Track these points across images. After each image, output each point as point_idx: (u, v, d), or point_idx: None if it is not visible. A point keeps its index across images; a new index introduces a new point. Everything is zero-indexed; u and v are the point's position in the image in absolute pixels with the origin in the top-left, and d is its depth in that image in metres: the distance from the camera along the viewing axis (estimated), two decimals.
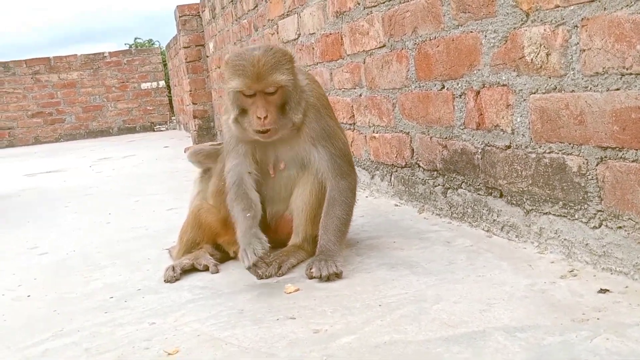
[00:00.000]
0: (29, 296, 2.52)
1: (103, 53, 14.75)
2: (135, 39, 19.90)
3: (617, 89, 1.85)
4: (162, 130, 14.54)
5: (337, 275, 2.26)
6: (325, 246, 2.38)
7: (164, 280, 2.47)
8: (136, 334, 1.97)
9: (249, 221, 2.38)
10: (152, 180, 5.85)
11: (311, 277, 2.28)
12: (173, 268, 2.52)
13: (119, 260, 2.92)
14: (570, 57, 2.01)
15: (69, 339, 2.00)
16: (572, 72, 2.01)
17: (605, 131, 1.91)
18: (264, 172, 2.58)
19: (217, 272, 2.51)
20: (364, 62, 3.56)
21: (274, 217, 2.66)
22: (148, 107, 14.89)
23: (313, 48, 4.33)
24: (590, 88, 1.94)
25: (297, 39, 4.63)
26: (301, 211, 2.54)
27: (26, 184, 6.65)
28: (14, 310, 2.36)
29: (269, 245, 2.29)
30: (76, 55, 14.59)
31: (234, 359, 1.70)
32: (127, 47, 19.10)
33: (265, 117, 2.29)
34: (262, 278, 2.32)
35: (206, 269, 2.54)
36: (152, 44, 19.96)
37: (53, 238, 3.63)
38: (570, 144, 2.07)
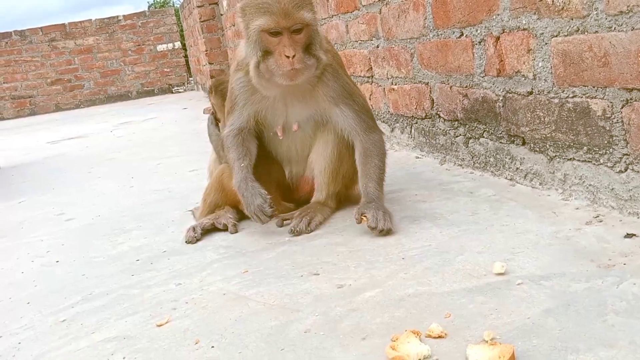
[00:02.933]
0: (57, 261, 2.57)
1: (117, 16, 14.67)
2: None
3: None
4: (180, 92, 14.53)
5: (389, 232, 2.20)
6: (374, 194, 2.36)
7: (185, 242, 2.50)
8: (164, 295, 2.00)
9: (243, 171, 2.42)
10: (173, 142, 5.87)
11: (363, 224, 2.23)
12: (194, 229, 2.54)
13: (144, 223, 2.95)
14: None
15: (98, 301, 2.04)
16: (595, 12, 1.94)
17: (631, 72, 1.85)
18: (272, 132, 2.55)
19: (235, 232, 2.52)
20: (380, 12, 3.48)
21: (293, 177, 2.67)
22: (165, 69, 14.86)
23: (327, 0, 4.24)
24: (615, 28, 1.87)
25: None
26: (323, 169, 2.53)
27: (49, 151, 6.73)
28: (44, 275, 2.41)
29: (268, 197, 2.36)
30: (91, 20, 14.55)
31: (260, 315, 1.72)
32: (147, 7, 18.96)
33: (293, 56, 2.21)
34: (293, 234, 2.35)
35: (225, 228, 2.55)
36: (168, 3, 19.77)
37: (78, 203, 3.68)
38: (594, 87, 2.01)
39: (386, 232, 2.18)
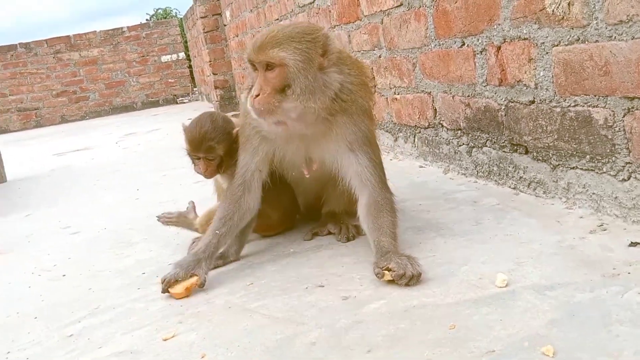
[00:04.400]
0: (64, 275, 2.58)
1: (122, 28, 14.76)
2: (156, 9, 19.81)
3: None
4: (184, 102, 14.58)
5: (419, 278, 1.87)
6: (390, 247, 2.03)
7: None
8: (169, 309, 2.01)
9: (212, 239, 2.25)
10: (178, 154, 5.83)
11: (388, 276, 1.88)
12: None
13: (149, 236, 2.97)
14: (592, 6, 1.94)
15: (105, 315, 2.05)
16: (595, 22, 1.95)
17: (632, 81, 1.86)
18: (295, 171, 2.41)
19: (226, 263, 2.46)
20: (382, 23, 3.50)
21: (305, 208, 2.71)
22: (170, 80, 14.93)
23: (330, 11, 4.27)
24: (615, 37, 1.88)
25: (314, 2, 4.56)
26: (339, 192, 2.43)
27: (56, 163, 6.76)
28: (51, 289, 2.42)
29: (204, 278, 2.13)
30: (95, 31, 14.64)
31: (266, 328, 1.73)
32: (147, 19, 19.06)
33: (257, 95, 2.06)
34: (347, 240, 2.35)
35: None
36: (170, 14, 19.86)
37: (84, 216, 3.70)
38: (595, 96, 2.02)
39: (417, 279, 1.85)
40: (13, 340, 1.97)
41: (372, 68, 3.80)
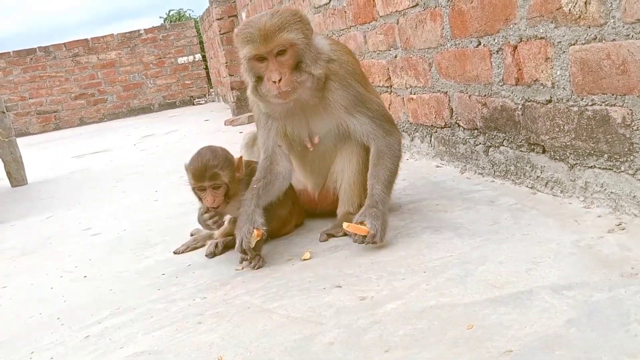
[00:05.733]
0: (85, 277, 2.62)
1: (139, 30, 14.89)
2: (169, 11, 19.92)
3: None
4: (201, 104, 14.68)
5: (374, 244, 2.24)
6: (379, 196, 2.35)
7: (205, 255, 2.54)
8: (189, 309, 2.03)
9: (252, 192, 2.42)
10: None
11: (359, 232, 2.23)
12: (216, 244, 2.57)
13: (169, 237, 3.00)
14: (609, 4, 1.93)
15: (126, 316, 2.08)
16: (612, 21, 1.94)
17: None
18: (300, 146, 2.58)
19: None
20: (398, 23, 3.50)
21: (315, 189, 2.69)
22: (186, 82, 15.04)
23: (345, 12, 4.28)
24: (632, 36, 1.87)
25: (329, 3, 4.58)
26: (352, 182, 2.54)
27: (75, 166, 6.85)
28: (72, 290, 2.47)
29: (264, 228, 2.34)
30: (113, 34, 14.79)
31: (284, 329, 1.75)
32: (161, 21, 19.19)
33: (279, 80, 2.27)
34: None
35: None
36: (184, 15, 19.96)
37: (104, 218, 3.75)
38: (613, 94, 2.01)
39: (376, 246, 2.22)
40: (36, 340, 2.01)
41: (387, 68, 3.80)
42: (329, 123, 2.51)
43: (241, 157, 2.49)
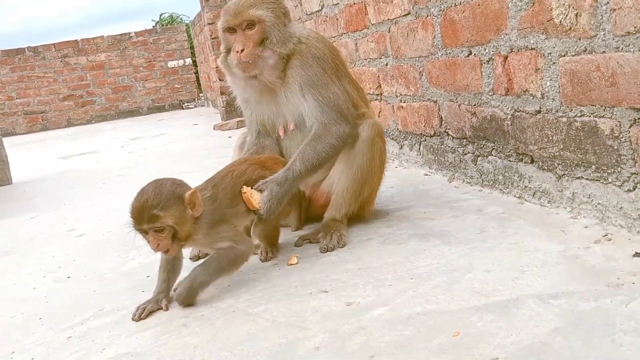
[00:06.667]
0: (69, 277, 2.59)
1: (129, 33, 14.82)
2: (161, 15, 19.82)
3: None
4: (190, 108, 14.62)
5: (266, 214, 2.30)
6: (292, 173, 2.38)
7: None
8: (174, 311, 2.01)
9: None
10: (183, 159, 5.91)
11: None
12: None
13: None
14: (600, 17, 1.95)
15: (109, 317, 2.06)
16: (602, 33, 1.96)
17: (639, 92, 1.86)
18: (275, 135, 2.65)
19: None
20: (389, 31, 3.51)
21: (305, 188, 2.66)
22: (176, 85, 14.97)
23: (337, 19, 4.29)
24: (622, 48, 1.89)
25: (321, 10, 4.59)
26: (345, 189, 2.51)
27: (61, 167, 6.79)
28: (55, 291, 2.43)
29: None
30: (103, 36, 14.70)
31: (269, 333, 1.73)
32: (153, 24, 19.12)
33: (242, 50, 2.42)
34: (327, 251, 2.34)
35: None
36: (175, 20, 19.91)
37: (89, 219, 3.71)
38: (602, 106, 2.03)
39: (264, 214, 2.28)
40: (17, 340, 1.98)
41: (378, 76, 3.81)
42: (292, 105, 2.54)
43: (195, 191, 2.09)
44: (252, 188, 2.28)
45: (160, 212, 1.98)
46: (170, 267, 2.17)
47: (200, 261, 2.22)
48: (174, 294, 2.10)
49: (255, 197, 2.26)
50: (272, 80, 2.50)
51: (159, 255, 2.64)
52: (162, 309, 2.05)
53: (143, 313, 2.01)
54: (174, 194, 2.04)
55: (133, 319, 2.00)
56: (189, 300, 2.04)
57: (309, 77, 2.49)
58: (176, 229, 2.02)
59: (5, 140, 6.67)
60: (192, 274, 2.08)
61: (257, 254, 2.35)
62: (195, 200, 2.07)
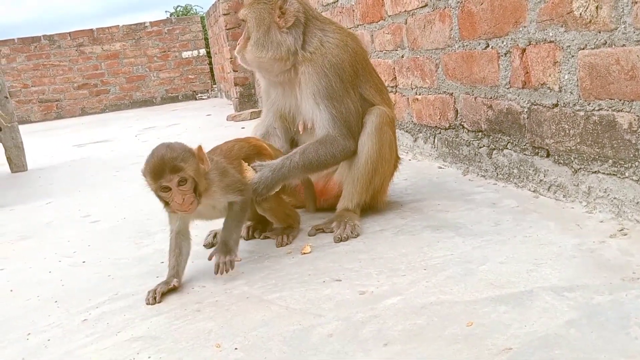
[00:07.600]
0: (84, 262, 2.61)
1: (144, 23, 14.87)
2: (176, 7, 19.85)
3: None
4: (204, 99, 14.67)
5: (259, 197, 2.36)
6: (286, 167, 2.40)
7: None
8: (188, 297, 2.03)
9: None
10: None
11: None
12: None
13: (168, 226, 2.98)
14: (621, 10, 1.93)
15: (124, 302, 2.08)
16: (623, 26, 1.94)
17: None
18: (294, 130, 2.67)
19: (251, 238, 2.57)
20: (406, 23, 3.50)
21: (318, 180, 2.69)
22: (190, 76, 15.01)
23: (353, 10, 4.28)
24: None
25: (337, 1, 4.58)
26: (356, 179, 2.53)
27: (76, 154, 6.84)
28: (71, 275, 2.46)
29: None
30: (118, 26, 14.76)
31: (283, 319, 1.74)
32: (167, 15, 19.16)
33: (238, 44, 2.55)
34: (341, 241, 2.35)
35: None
36: (190, 11, 19.91)
37: (104, 206, 3.74)
38: (620, 100, 2.01)
39: (252, 195, 2.30)
40: (34, 322, 2.01)
41: (394, 68, 3.80)
42: (310, 112, 2.54)
43: (201, 147, 2.14)
44: (248, 165, 2.35)
45: (181, 162, 2.03)
46: (179, 251, 2.20)
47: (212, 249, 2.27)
48: (215, 261, 2.15)
49: (249, 175, 2.32)
50: (275, 80, 2.59)
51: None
52: (173, 288, 2.08)
53: (157, 296, 2.03)
54: (185, 148, 2.11)
55: (147, 303, 2.02)
56: (230, 257, 2.14)
57: (325, 88, 2.47)
58: (196, 181, 2.07)
59: (21, 127, 6.72)
60: (222, 238, 2.19)
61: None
62: (202, 155, 2.13)
